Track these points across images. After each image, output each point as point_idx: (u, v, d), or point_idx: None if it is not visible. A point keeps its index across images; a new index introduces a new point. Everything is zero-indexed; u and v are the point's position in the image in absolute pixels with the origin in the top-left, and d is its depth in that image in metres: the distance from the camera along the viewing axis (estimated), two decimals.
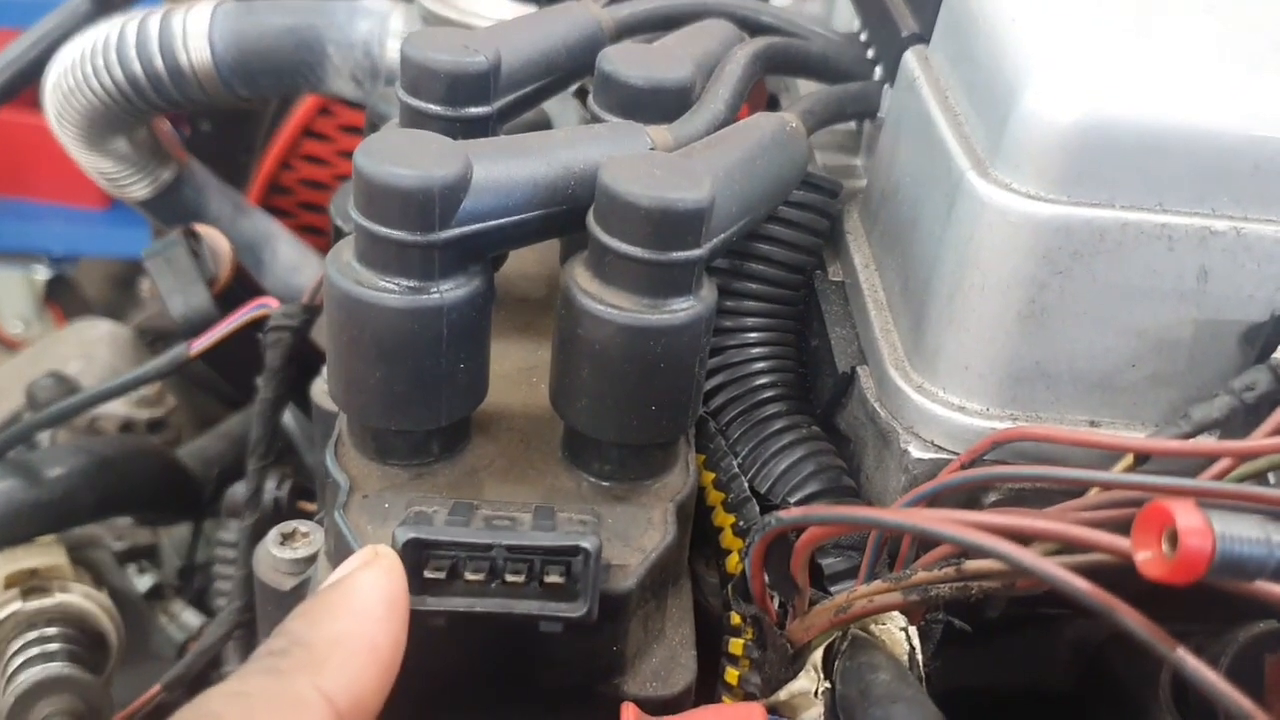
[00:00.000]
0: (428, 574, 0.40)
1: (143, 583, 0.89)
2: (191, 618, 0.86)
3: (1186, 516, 0.29)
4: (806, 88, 0.66)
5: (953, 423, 0.45)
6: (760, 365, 0.55)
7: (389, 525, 0.42)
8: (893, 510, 0.40)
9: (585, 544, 0.40)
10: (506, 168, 0.45)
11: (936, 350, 0.46)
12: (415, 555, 0.40)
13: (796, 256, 0.56)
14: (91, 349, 1.27)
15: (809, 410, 0.54)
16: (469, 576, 0.40)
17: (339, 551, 0.44)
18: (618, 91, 0.52)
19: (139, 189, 1.01)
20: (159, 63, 0.87)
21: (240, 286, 0.81)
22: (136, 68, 0.88)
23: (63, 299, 2.03)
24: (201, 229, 0.82)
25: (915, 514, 0.36)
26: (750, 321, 0.55)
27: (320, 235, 1.30)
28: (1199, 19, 0.46)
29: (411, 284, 0.43)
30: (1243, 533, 0.29)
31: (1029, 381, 0.45)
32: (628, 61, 0.52)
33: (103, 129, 0.92)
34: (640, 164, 0.44)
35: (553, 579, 0.40)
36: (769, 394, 0.54)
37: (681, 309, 0.44)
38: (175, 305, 0.76)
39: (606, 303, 0.43)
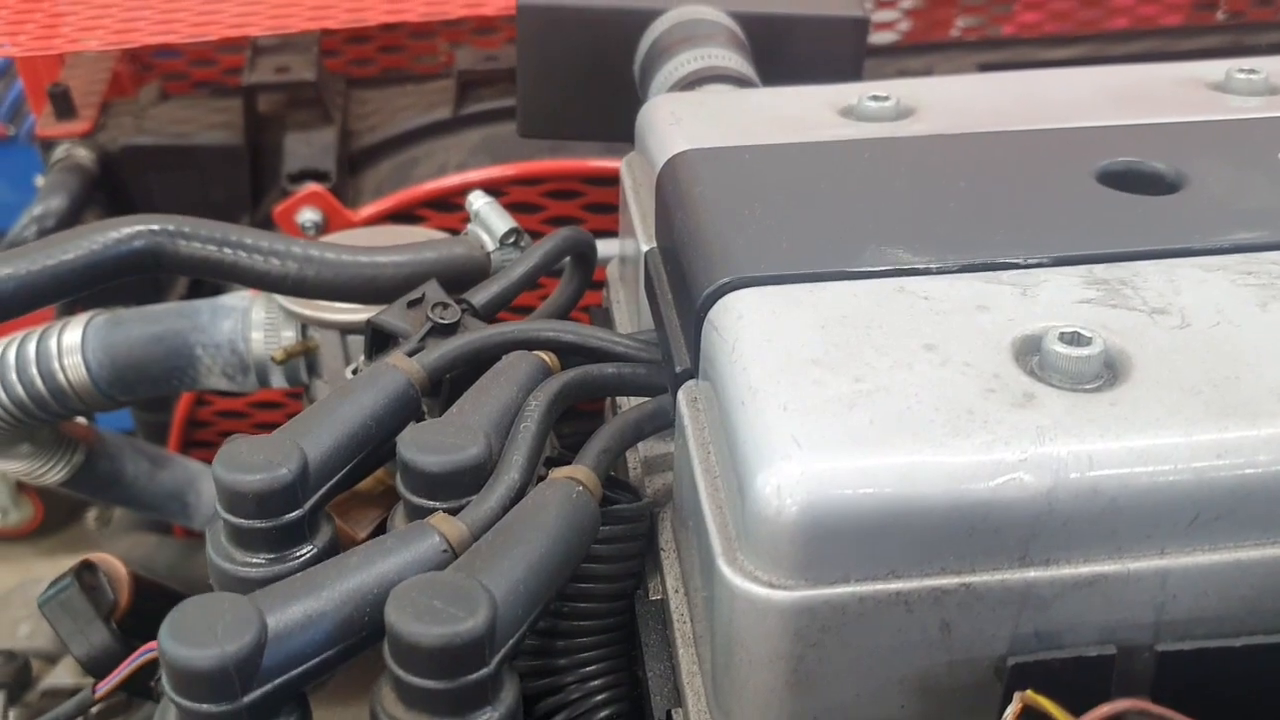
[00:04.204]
0: None
1: None
2: None
3: None
4: None
5: None
6: (599, 698, 0.59)
7: None
8: None
9: None
10: (302, 613, 0.49)
11: (729, 710, 0.50)
12: None
13: (615, 586, 0.59)
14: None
15: None
16: None
17: None
18: (417, 477, 0.56)
19: (54, 475, 1.05)
20: (40, 385, 0.91)
21: (143, 602, 0.85)
22: (19, 391, 0.92)
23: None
24: (96, 558, 0.85)
25: None
26: (585, 656, 0.59)
27: None
28: (916, 367, 0.50)
29: None
30: None
31: None
32: (423, 447, 0.56)
33: (2, 442, 0.96)
34: (421, 596, 0.47)
35: None
36: None
37: None
38: (77, 648, 0.79)
39: None
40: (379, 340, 0.71)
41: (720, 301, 0.55)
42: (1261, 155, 0.64)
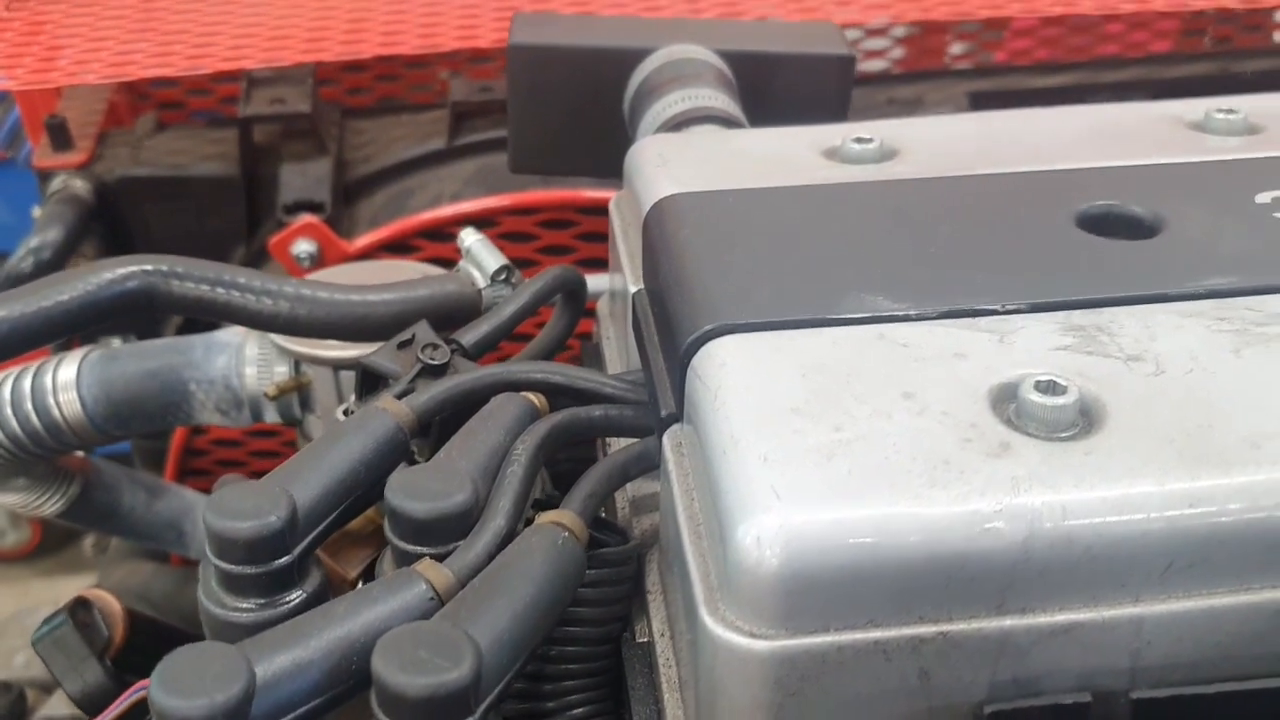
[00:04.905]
0: None
1: None
2: None
3: None
4: None
5: None
6: None
7: None
8: None
9: None
10: (290, 661, 0.49)
11: None
12: None
13: (601, 630, 0.60)
14: None
15: None
16: None
17: None
18: (404, 524, 0.56)
19: (50, 506, 1.05)
20: (36, 421, 0.92)
21: (137, 638, 0.86)
22: (15, 426, 0.92)
23: None
24: (90, 595, 0.86)
25: None
26: (571, 699, 0.60)
27: None
28: (894, 416, 0.51)
29: None
30: None
31: None
32: (410, 493, 0.57)
33: None
34: (407, 645, 0.48)
35: None
36: None
37: None
38: (71, 686, 0.80)
39: None
40: (370, 381, 0.72)
41: (703, 349, 0.56)
42: (1237, 198, 0.65)
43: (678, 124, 0.82)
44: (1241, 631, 0.48)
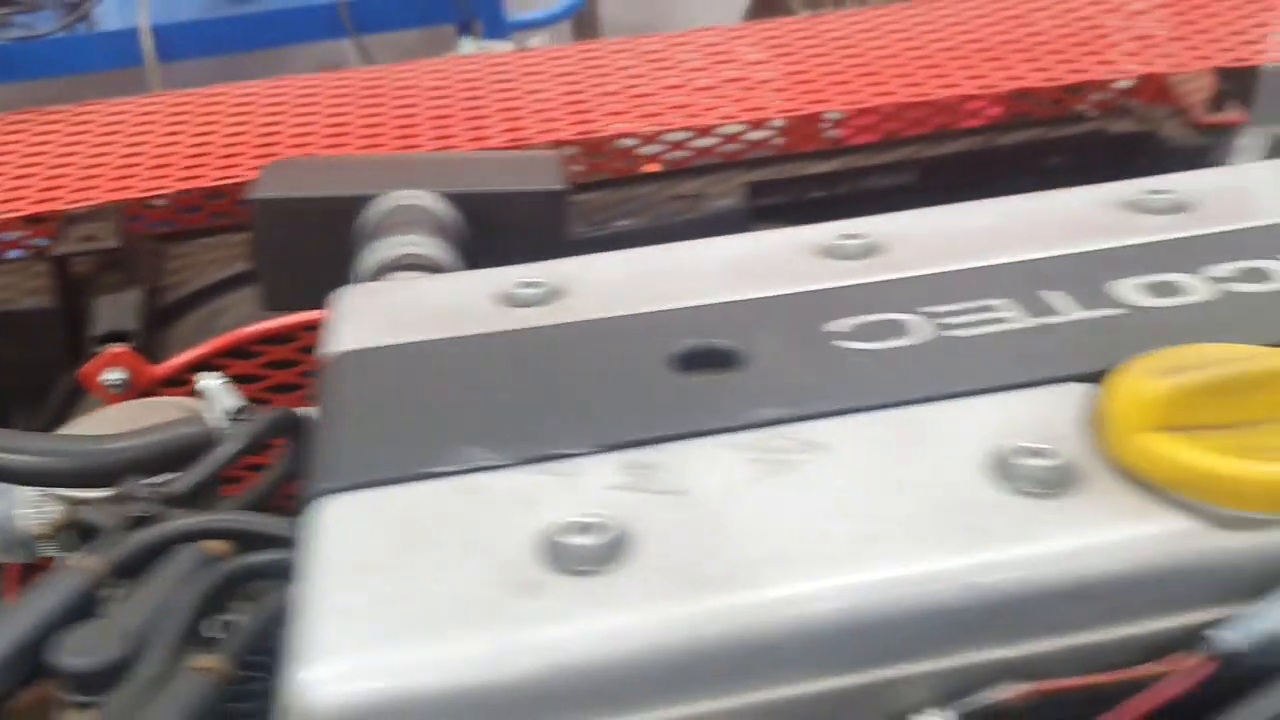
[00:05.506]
0: None
1: None
2: None
3: None
4: None
5: None
6: None
7: None
8: None
9: None
10: None
11: None
12: None
13: None
14: None
15: None
16: None
17: None
18: (61, 677, 0.65)
19: None
20: None
21: None
22: None
23: None
24: None
25: None
26: None
27: None
28: (455, 566, 0.59)
29: None
30: None
31: None
32: (67, 650, 0.65)
33: None
34: None
35: None
36: None
37: None
38: None
39: None
40: (87, 533, 0.80)
41: (306, 509, 0.64)
42: (810, 326, 0.74)
43: (379, 272, 0.91)
44: None
